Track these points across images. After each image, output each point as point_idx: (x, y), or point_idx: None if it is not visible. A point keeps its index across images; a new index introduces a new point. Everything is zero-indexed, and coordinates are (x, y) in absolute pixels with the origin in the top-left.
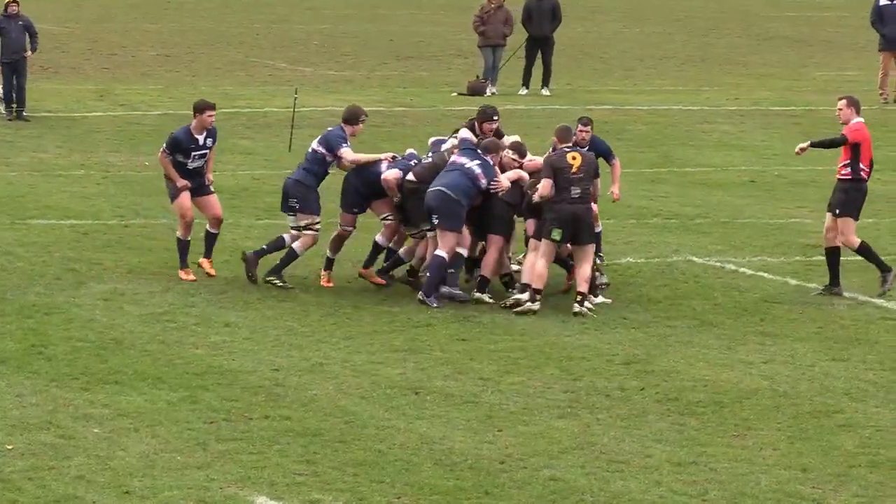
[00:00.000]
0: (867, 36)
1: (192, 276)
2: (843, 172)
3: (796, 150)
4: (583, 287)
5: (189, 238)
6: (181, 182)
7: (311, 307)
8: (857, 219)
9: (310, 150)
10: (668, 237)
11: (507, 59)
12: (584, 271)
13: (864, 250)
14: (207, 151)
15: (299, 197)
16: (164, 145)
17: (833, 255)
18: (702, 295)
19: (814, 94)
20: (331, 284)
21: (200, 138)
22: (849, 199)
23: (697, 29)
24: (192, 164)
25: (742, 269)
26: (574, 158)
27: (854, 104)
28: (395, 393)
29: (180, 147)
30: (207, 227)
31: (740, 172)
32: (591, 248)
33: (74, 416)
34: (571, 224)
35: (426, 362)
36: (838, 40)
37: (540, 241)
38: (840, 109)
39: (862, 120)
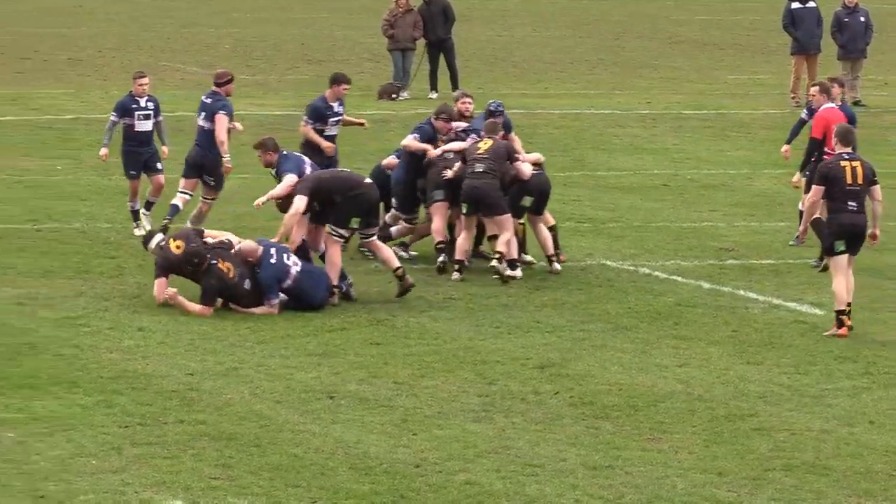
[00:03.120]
0: (778, 39)
1: None
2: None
3: (794, 182)
4: (501, 248)
5: None
6: (326, 144)
7: (225, 312)
8: None
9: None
10: (581, 241)
11: (418, 65)
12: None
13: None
14: (340, 118)
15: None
16: (305, 116)
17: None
18: (616, 299)
19: (726, 98)
20: None
21: (335, 105)
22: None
23: (608, 33)
24: (328, 132)
25: (656, 273)
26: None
27: (826, 90)
28: (310, 397)
29: (321, 115)
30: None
31: (653, 176)
32: (503, 218)
33: None
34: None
35: (340, 366)
36: (750, 44)
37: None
38: (813, 96)
39: (832, 105)
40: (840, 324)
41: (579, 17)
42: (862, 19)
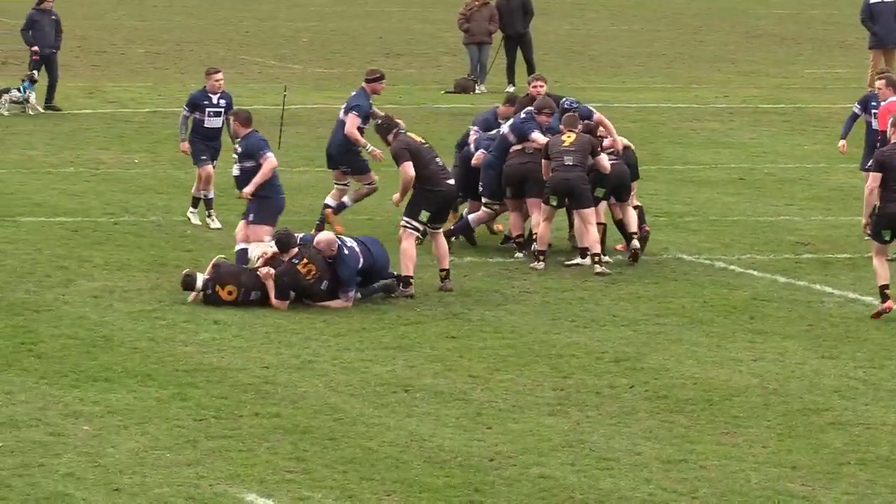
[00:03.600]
0: (856, 34)
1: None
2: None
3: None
4: (595, 248)
5: None
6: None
7: (301, 305)
8: None
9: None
10: (657, 235)
11: (493, 58)
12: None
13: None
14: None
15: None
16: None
17: None
18: (691, 293)
19: (803, 92)
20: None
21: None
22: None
23: (686, 26)
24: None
25: (731, 267)
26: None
27: (893, 84)
28: (385, 390)
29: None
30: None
31: (729, 170)
32: (588, 211)
33: (64, 414)
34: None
35: (416, 360)
36: (827, 38)
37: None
38: (879, 89)
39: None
40: (884, 298)
41: (657, 11)
42: None
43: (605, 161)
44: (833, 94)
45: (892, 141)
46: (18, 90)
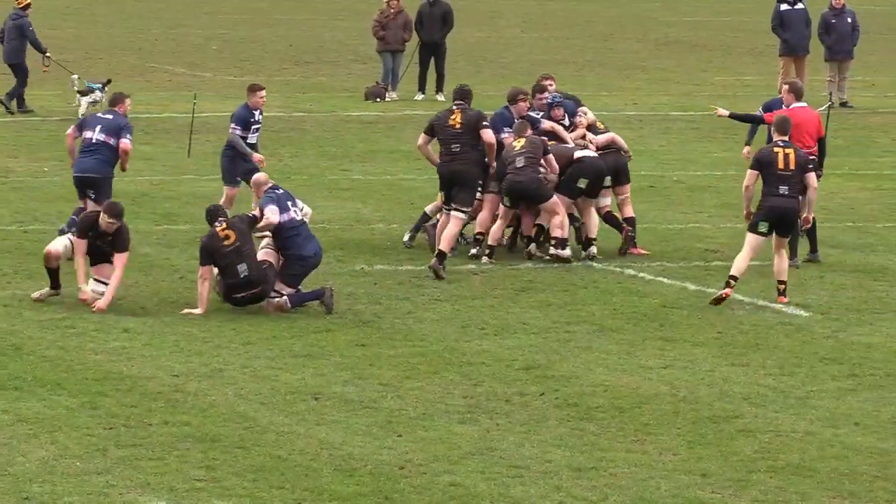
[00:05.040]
0: (766, 41)
1: None
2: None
3: (717, 112)
4: (556, 232)
5: None
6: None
7: (211, 313)
8: None
9: None
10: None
11: (407, 65)
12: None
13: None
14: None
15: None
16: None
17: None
18: (601, 300)
19: (713, 99)
20: None
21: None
22: None
23: (596, 34)
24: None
25: (641, 275)
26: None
27: (795, 90)
28: (295, 398)
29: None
30: None
31: (640, 178)
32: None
33: None
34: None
35: (325, 367)
36: (737, 45)
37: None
38: (783, 95)
39: (803, 104)
40: (727, 285)
41: (568, 19)
42: (849, 21)
43: (553, 162)
44: (743, 102)
45: (774, 139)
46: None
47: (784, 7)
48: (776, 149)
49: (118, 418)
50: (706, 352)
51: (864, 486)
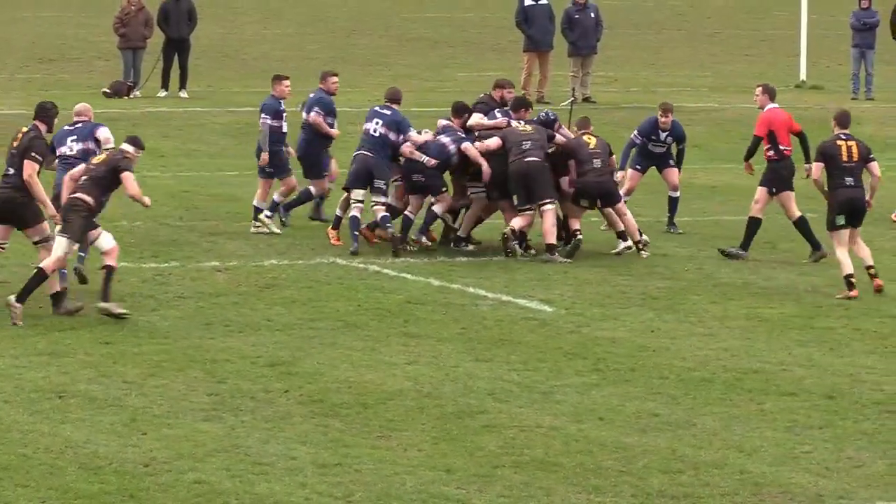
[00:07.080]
0: (510, 36)
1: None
2: (768, 154)
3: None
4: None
5: None
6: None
7: None
8: (792, 190)
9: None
10: (311, 242)
11: (156, 62)
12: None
13: (801, 222)
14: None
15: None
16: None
17: (754, 224)
18: (346, 297)
19: (456, 95)
20: (339, 243)
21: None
22: (777, 176)
23: (339, 30)
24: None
25: (385, 271)
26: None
27: (769, 91)
28: (39, 397)
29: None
30: None
31: None
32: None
33: None
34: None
35: (70, 366)
36: (480, 41)
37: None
38: (756, 96)
39: (775, 106)
40: (850, 286)
41: (309, 15)
42: (592, 16)
43: (486, 166)
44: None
45: (836, 133)
46: None
47: (528, 2)
48: (839, 142)
49: None
50: (451, 347)
51: (609, 481)
